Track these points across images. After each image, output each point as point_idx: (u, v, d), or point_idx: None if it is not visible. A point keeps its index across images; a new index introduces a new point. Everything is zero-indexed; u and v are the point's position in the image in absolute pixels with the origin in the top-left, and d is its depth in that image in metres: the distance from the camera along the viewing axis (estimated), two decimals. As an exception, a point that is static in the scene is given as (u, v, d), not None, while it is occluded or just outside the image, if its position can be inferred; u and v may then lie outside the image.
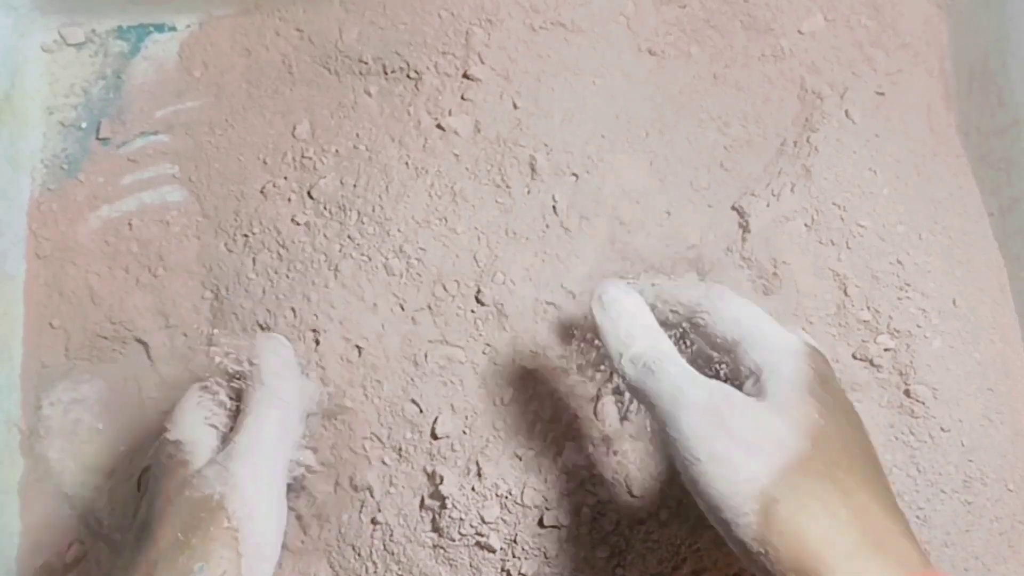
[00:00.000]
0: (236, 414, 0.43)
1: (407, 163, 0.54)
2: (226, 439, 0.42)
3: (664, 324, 0.41)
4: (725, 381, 0.37)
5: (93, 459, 0.55)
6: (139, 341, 0.56)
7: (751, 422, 0.34)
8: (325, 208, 0.54)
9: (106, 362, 0.57)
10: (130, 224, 0.58)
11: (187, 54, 0.61)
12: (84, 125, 0.60)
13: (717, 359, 0.41)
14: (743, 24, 0.59)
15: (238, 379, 0.44)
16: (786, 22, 0.59)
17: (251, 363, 0.44)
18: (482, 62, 0.55)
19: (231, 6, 0.61)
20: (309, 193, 0.55)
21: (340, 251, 0.52)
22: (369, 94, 0.57)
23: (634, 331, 0.38)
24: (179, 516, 0.38)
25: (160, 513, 0.39)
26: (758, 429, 0.34)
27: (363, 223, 0.53)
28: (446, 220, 0.52)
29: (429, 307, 0.51)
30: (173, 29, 0.62)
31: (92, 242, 0.58)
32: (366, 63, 0.57)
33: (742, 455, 0.33)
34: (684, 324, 0.41)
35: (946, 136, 0.59)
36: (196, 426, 0.43)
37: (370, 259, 0.52)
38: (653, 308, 0.40)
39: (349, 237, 0.53)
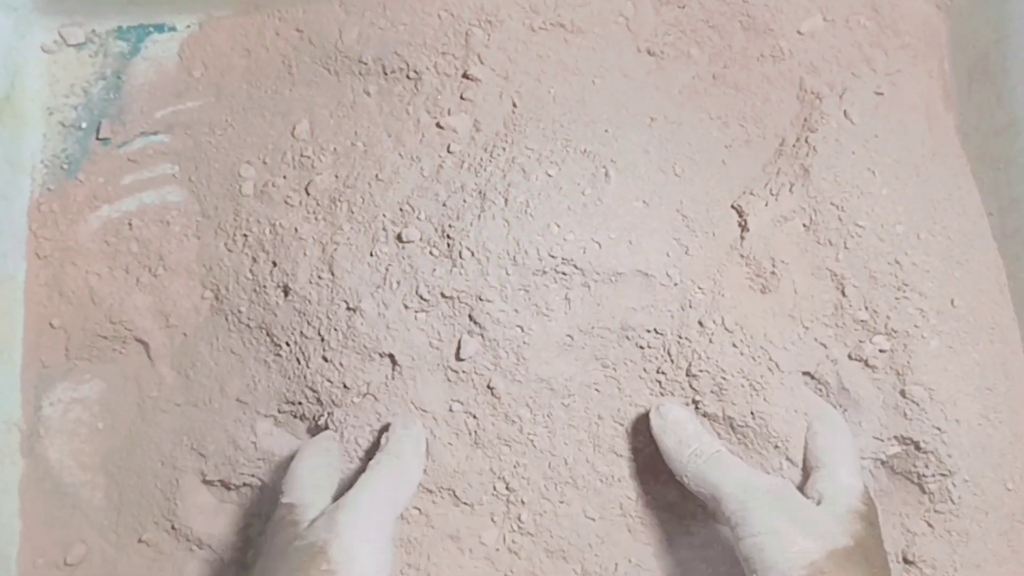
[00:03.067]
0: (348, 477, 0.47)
1: (400, 154, 0.54)
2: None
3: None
4: None
5: (93, 459, 0.55)
6: (139, 341, 0.57)
7: (809, 513, 0.43)
8: (319, 204, 0.54)
9: (106, 362, 0.57)
10: (130, 224, 0.58)
11: (187, 54, 0.61)
12: (84, 125, 0.61)
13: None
14: (742, 25, 0.59)
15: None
16: (785, 22, 0.59)
17: (386, 437, 0.48)
18: (481, 62, 0.55)
19: (231, 7, 0.61)
20: (307, 190, 0.55)
21: (333, 240, 0.53)
22: (368, 94, 0.58)
23: (689, 433, 0.47)
24: (286, 565, 0.41)
25: (271, 568, 0.42)
26: (815, 520, 0.42)
27: (352, 212, 0.53)
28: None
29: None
30: (173, 29, 0.62)
31: (92, 242, 0.58)
32: (365, 63, 0.57)
33: (798, 533, 0.41)
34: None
35: (945, 136, 0.59)
36: (308, 488, 0.46)
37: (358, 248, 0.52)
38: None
39: (340, 229, 0.53)
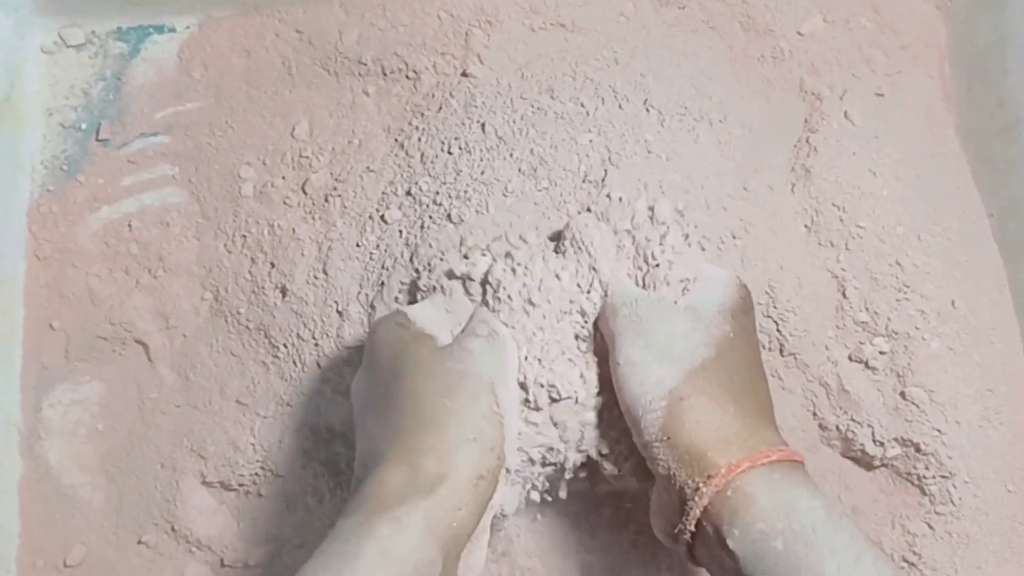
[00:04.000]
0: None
1: (396, 139, 0.54)
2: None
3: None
4: None
5: (93, 460, 0.55)
6: (139, 342, 0.56)
7: (668, 329, 0.40)
8: (315, 203, 0.54)
9: (106, 363, 0.57)
10: (130, 225, 0.58)
11: (187, 55, 0.61)
12: (84, 126, 0.60)
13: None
14: (742, 25, 0.59)
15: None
16: (785, 23, 0.59)
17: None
18: (481, 62, 0.55)
19: (231, 7, 0.61)
20: (303, 189, 0.55)
21: (327, 238, 0.53)
22: (367, 94, 0.58)
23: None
24: (443, 385, 0.39)
25: (416, 382, 0.39)
26: (673, 336, 0.40)
27: (345, 207, 0.53)
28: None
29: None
30: (173, 30, 0.62)
31: (92, 243, 0.58)
32: (365, 64, 0.57)
33: (654, 361, 0.39)
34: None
35: (945, 137, 0.59)
36: (427, 314, 0.43)
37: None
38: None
39: (334, 226, 0.53)
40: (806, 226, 0.54)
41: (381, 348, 0.41)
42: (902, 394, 0.51)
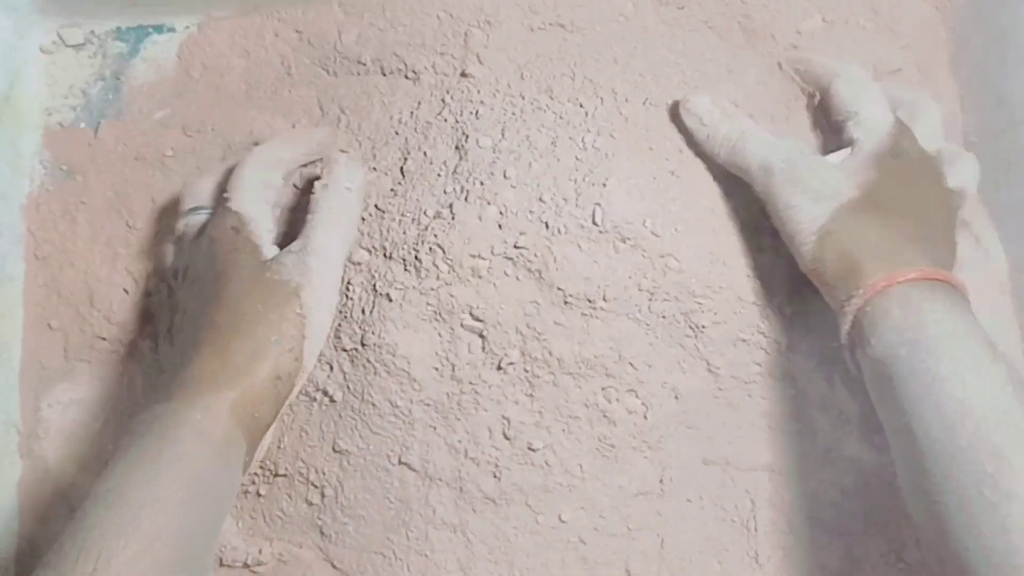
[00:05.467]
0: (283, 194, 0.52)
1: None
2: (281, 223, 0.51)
3: None
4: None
5: (92, 460, 0.55)
6: (138, 342, 0.56)
7: (818, 177, 0.46)
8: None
9: (105, 364, 0.57)
10: (128, 225, 0.58)
11: (186, 56, 0.61)
12: (83, 126, 0.60)
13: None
14: (741, 25, 0.58)
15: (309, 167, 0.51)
16: (784, 23, 0.58)
17: (328, 173, 0.49)
18: (480, 62, 0.55)
19: (230, 8, 0.61)
20: (295, 184, 0.55)
21: None
22: (367, 94, 0.57)
23: (716, 119, 0.50)
24: (259, 293, 0.44)
25: (237, 287, 0.45)
26: (823, 182, 0.46)
27: None
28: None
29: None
30: (172, 30, 0.62)
31: (91, 243, 0.58)
32: (364, 64, 0.57)
33: (808, 202, 0.45)
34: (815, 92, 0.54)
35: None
36: (257, 202, 0.49)
37: None
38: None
39: None
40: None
41: (215, 242, 0.47)
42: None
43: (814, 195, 0.45)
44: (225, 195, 0.49)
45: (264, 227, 0.48)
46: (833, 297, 0.44)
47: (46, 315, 0.57)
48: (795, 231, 0.46)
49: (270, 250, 0.47)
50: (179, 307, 0.50)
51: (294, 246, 0.46)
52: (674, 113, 0.51)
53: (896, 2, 0.59)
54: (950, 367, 0.39)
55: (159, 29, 0.62)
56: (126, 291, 0.57)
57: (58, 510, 0.55)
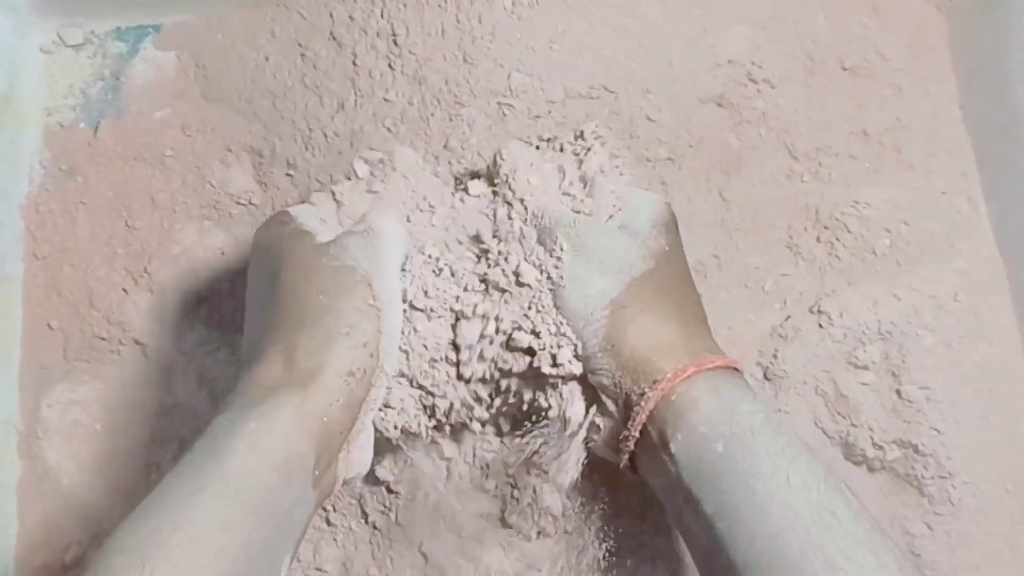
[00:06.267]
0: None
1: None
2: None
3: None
4: None
5: (91, 460, 0.55)
6: (137, 343, 0.56)
7: (607, 244, 0.41)
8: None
9: (104, 363, 0.57)
10: (128, 224, 0.58)
11: (186, 56, 0.61)
12: (83, 126, 0.60)
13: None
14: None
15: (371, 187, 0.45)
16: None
17: (390, 166, 0.45)
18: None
19: (230, 7, 0.61)
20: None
21: None
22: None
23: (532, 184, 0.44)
24: (318, 281, 0.39)
25: (293, 278, 0.39)
26: (612, 251, 0.40)
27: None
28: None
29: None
30: (172, 30, 0.62)
31: (91, 243, 0.58)
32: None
33: (595, 273, 0.40)
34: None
35: (947, 137, 0.58)
36: (310, 215, 0.43)
37: None
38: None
39: None
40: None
41: (263, 246, 0.42)
42: (897, 392, 0.51)
43: (600, 266, 0.40)
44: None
45: (315, 219, 0.43)
46: (622, 386, 0.39)
47: (46, 315, 0.57)
48: (579, 307, 0.40)
49: (327, 236, 0.42)
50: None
51: (356, 227, 0.41)
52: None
53: (897, 2, 0.59)
54: (771, 463, 0.34)
55: (159, 29, 0.62)
56: (126, 291, 0.57)
57: (58, 510, 0.54)
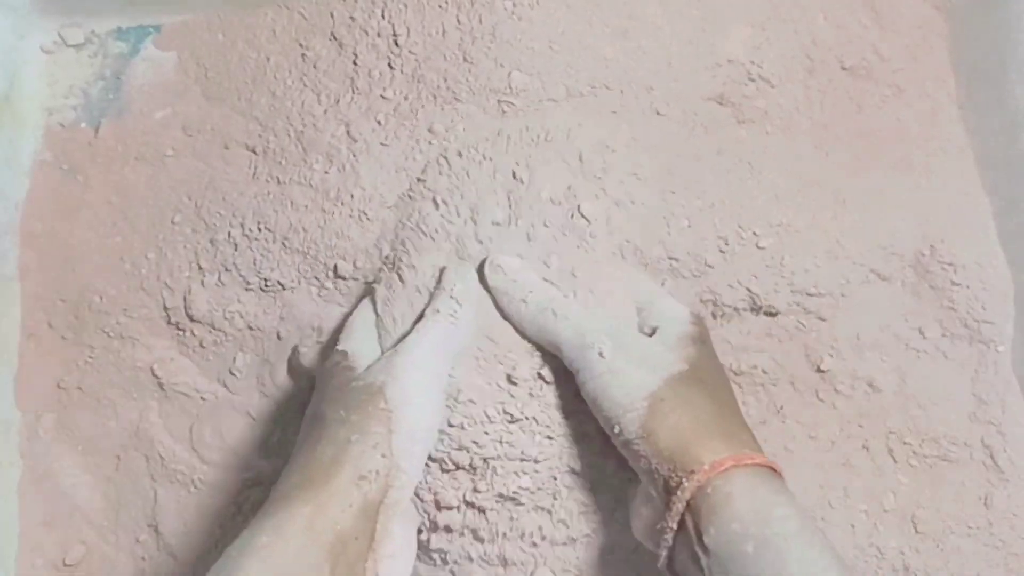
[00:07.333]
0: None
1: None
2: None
3: None
4: None
5: (92, 460, 0.55)
6: (138, 342, 0.56)
7: (644, 347, 0.43)
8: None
9: (105, 364, 0.57)
10: (129, 225, 0.58)
11: (186, 55, 0.61)
12: (83, 126, 0.60)
13: None
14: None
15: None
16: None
17: (441, 286, 0.46)
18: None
19: (230, 7, 0.61)
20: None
21: None
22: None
23: (523, 283, 0.46)
24: (344, 401, 0.41)
25: (328, 404, 0.42)
26: (650, 353, 0.43)
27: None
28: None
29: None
30: (172, 30, 0.62)
31: (91, 243, 0.58)
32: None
33: (636, 368, 0.42)
34: None
35: (946, 137, 0.58)
36: (364, 340, 0.46)
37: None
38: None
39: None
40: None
41: (319, 380, 0.45)
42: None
43: (640, 363, 0.42)
44: (335, 341, 0.47)
45: (367, 358, 0.45)
46: (660, 473, 0.39)
47: (46, 315, 0.57)
48: (617, 396, 0.41)
49: (372, 357, 0.45)
50: None
51: (387, 352, 0.45)
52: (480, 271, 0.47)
53: (897, 2, 0.59)
54: (800, 571, 0.35)
55: (159, 29, 0.62)
56: (126, 291, 0.57)
57: (57, 510, 0.54)
